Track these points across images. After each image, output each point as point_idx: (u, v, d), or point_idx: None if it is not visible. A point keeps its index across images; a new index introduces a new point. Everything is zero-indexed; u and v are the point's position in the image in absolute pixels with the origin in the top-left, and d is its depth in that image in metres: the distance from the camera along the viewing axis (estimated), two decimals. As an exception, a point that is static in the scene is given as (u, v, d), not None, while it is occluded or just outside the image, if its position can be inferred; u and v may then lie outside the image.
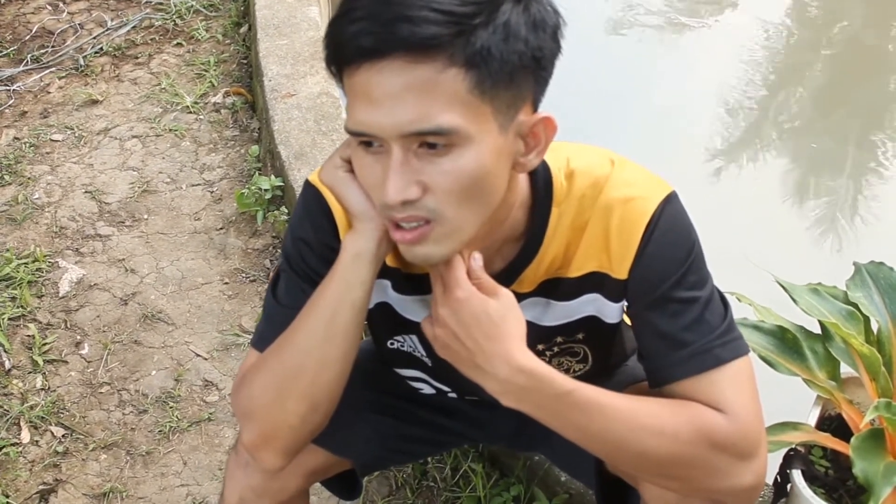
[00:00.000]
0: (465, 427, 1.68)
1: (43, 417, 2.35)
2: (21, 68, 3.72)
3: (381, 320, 1.45)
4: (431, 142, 1.07)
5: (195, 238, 2.92)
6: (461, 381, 1.32)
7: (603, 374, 1.51)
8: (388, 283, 1.39)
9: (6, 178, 3.15)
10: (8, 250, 2.84)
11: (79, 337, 2.59)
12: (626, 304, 1.33)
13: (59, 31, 3.94)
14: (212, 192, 3.09)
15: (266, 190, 2.88)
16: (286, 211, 2.84)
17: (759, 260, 2.78)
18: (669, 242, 1.25)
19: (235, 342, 2.56)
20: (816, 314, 1.76)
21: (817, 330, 1.84)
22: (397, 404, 1.63)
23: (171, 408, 2.39)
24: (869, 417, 1.59)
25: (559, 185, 1.27)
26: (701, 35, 4.65)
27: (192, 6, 4.04)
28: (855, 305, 1.81)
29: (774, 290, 1.87)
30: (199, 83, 3.59)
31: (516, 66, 1.07)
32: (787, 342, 1.78)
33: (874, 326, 1.82)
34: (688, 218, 1.28)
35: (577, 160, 1.28)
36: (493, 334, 1.15)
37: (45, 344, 2.55)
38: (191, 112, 3.45)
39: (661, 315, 1.25)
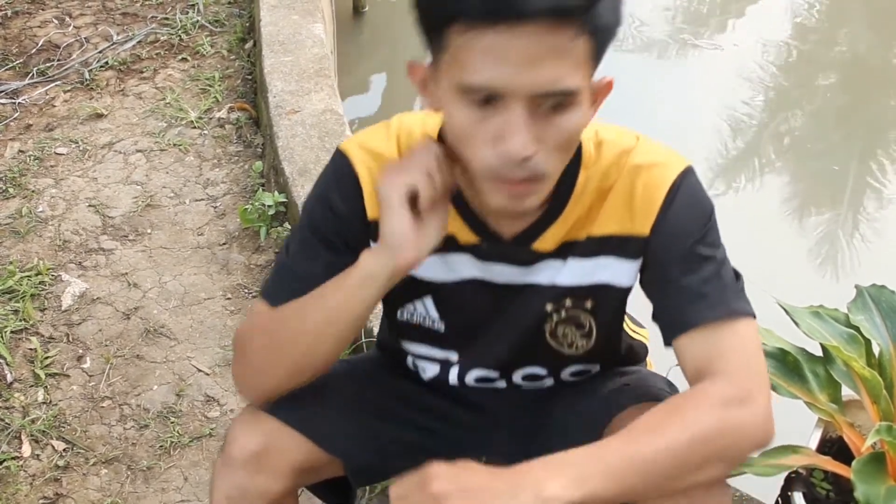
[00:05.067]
0: (461, 435, 1.67)
1: (44, 431, 2.35)
2: (27, 81, 3.73)
3: (395, 286, 1.45)
4: (554, 102, 1.15)
5: (198, 253, 2.93)
6: (472, 346, 1.45)
7: (607, 360, 1.57)
8: None
9: (10, 191, 3.16)
10: (11, 263, 2.84)
11: (81, 351, 2.59)
12: (642, 263, 1.38)
13: (64, 44, 3.95)
14: (215, 208, 3.10)
15: (269, 206, 2.89)
16: (289, 227, 2.85)
17: (761, 280, 2.78)
18: (691, 203, 1.34)
19: (237, 358, 2.56)
20: (818, 337, 1.76)
21: (819, 352, 1.84)
22: (389, 406, 1.61)
23: (172, 423, 2.39)
24: (870, 441, 1.59)
25: (588, 152, 1.36)
26: (705, 54, 4.67)
27: (197, 21, 4.06)
28: (856, 328, 1.81)
29: (775, 311, 1.87)
30: (204, 98, 3.60)
31: (614, 35, 1.19)
32: (788, 364, 1.78)
33: (876, 349, 1.83)
34: (704, 189, 1.38)
35: (605, 133, 1.38)
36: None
37: (47, 357, 2.55)
38: (195, 127, 3.46)
39: (681, 269, 1.33)
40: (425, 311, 1.49)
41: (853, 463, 1.60)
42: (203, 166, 3.28)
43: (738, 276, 1.37)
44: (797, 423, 1.95)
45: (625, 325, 1.61)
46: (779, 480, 1.84)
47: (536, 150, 1.16)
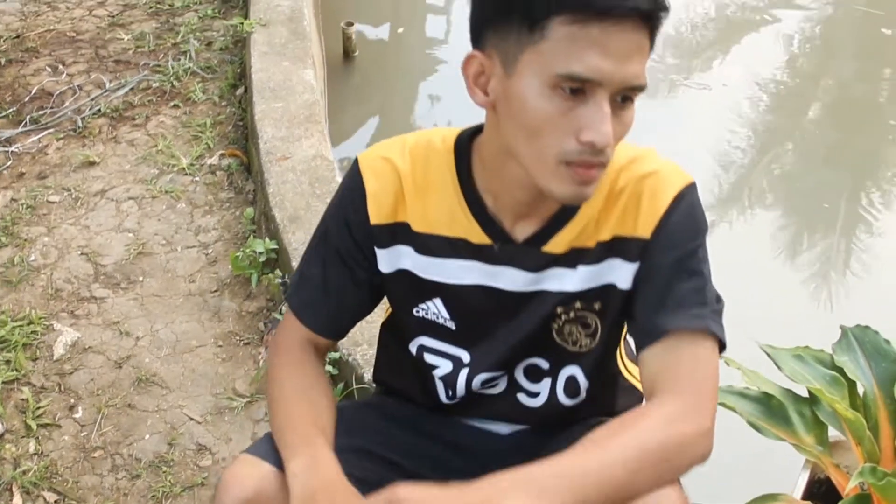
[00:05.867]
0: (450, 480, 1.66)
1: (35, 483, 2.35)
2: (20, 129, 3.76)
3: (404, 288, 1.53)
4: (627, 96, 1.25)
5: (190, 300, 2.94)
6: (482, 345, 1.50)
7: (601, 385, 1.57)
8: (409, 248, 1.48)
9: (3, 239, 3.18)
10: (3, 312, 2.85)
11: (73, 400, 2.60)
12: (638, 267, 1.42)
13: (57, 92, 3.98)
14: (207, 255, 3.11)
15: (261, 253, 2.90)
16: (280, 274, 2.86)
17: (750, 318, 2.79)
18: (692, 215, 1.39)
19: (229, 406, 2.56)
20: (801, 380, 1.77)
21: (806, 393, 1.85)
22: (378, 451, 1.60)
23: (164, 472, 2.39)
24: (853, 483, 1.60)
25: None
26: (693, 93, 4.70)
27: (189, 68, 4.09)
28: (840, 370, 1.82)
29: (762, 351, 1.89)
30: (196, 145, 3.63)
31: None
32: (772, 408, 1.80)
33: (861, 390, 1.84)
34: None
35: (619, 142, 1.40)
36: None
37: (38, 408, 2.56)
38: (187, 174, 3.48)
39: (670, 275, 1.37)
40: (437, 310, 1.53)
41: (837, 506, 1.61)
42: (195, 213, 3.30)
43: (718, 299, 1.40)
44: (787, 464, 1.97)
45: (620, 365, 1.63)
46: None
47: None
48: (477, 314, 1.51)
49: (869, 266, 3.60)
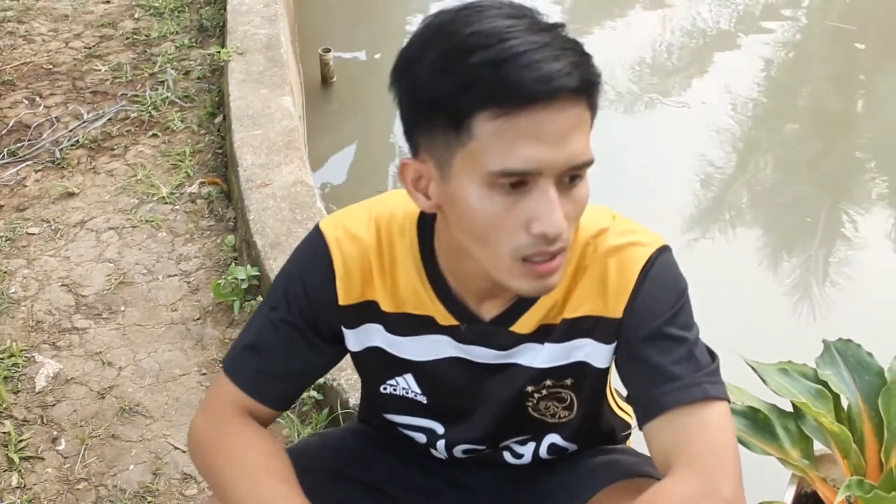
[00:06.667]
0: None
1: (19, 517, 2.34)
2: (-3, 163, 3.74)
3: (373, 365, 1.48)
4: (575, 175, 1.16)
5: (172, 329, 2.92)
6: (456, 419, 1.45)
7: (587, 441, 1.56)
8: (380, 326, 1.42)
9: (-18, 273, 3.16)
10: (-16, 346, 2.84)
11: (55, 432, 2.57)
12: (616, 346, 1.38)
13: (35, 124, 3.97)
14: (188, 283, 3.10)
15: (242, 280, 2.89)
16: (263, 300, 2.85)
17: (733, 334, 2.80)
18: (663, 284, 1.33)
19: (213, 434, 2.54)
20: (786, 394, 1.78)
21: (790, 407, 1.86)
22: (368, 482, 1.60)
23: (149, 503, 2.36)
24: (841, 496, 1.61)
25: None
26: (671, 110, 4.72)
27: (167, 97, 4.09)
28: (824, 383, 1.83)
29: (747, 367, 1.89)
30: (175, 174, 3.62)
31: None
32: (759, 422, 1.80)
33: (845, 403, 1.84)
34: (679, 268, 1.37)
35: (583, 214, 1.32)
36: None
37: (21, 440, 2.54)
38: (167, 203, 3.47)
39: (652, 350, 1.31)
40: (407, 385, 1.49)
41: (825, 519, 1.61)
42: (175, 242, 3.29)
43: (713, 356, 1.35)
44: (774, 478, 1.97)
45: (610, 399, 1.61)
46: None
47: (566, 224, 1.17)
48: (449, 389, 1.46)
49: (850, 279, 3.62)
